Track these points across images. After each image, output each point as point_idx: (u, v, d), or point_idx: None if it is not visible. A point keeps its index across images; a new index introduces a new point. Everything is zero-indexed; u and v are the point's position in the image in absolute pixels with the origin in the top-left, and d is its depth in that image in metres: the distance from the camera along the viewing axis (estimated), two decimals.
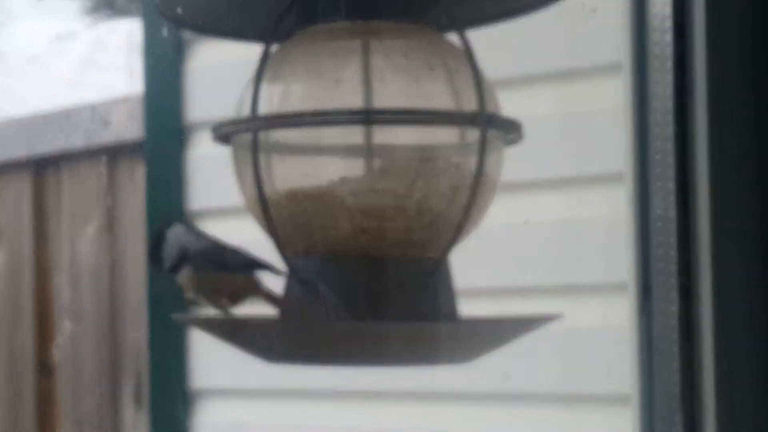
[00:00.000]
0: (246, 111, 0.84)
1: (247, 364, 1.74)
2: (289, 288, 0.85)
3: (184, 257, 0.90)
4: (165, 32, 2.06)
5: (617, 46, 1.35)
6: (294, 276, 0.83)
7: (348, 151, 0.85)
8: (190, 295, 0.91)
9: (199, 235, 0.93)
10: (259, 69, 0.84)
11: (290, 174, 0.84)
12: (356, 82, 0.83)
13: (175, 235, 0.92)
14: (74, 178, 2.78)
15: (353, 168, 0.83)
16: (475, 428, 1.72)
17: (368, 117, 0.82)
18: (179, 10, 0.88)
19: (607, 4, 1.46)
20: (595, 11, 1.44)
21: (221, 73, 1.98)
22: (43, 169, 2.85)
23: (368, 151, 0.84)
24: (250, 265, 0.92)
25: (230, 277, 0.92)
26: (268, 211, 0.82)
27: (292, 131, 0.85)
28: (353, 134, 0.84)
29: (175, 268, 0.90)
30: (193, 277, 0.90)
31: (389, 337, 0.79)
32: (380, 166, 0.83)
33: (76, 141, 2.74)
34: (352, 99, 0.83)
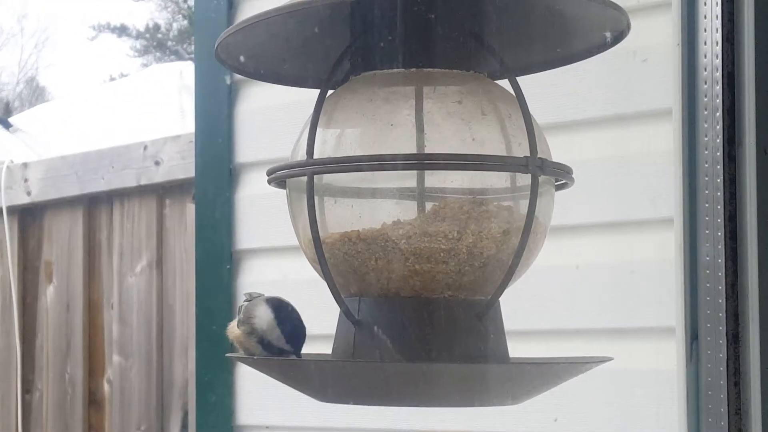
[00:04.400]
0: (301, 154, 0.86)
1: (292, 401, 1.74)
2: (341, 329, 0.86)
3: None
4: (216, 74, 2.09)
5: (668, 94, 1.36)
6: (347, 317, 0.84)
7: (401, 194, 0.86)
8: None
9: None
10: (315, 113, 0.85)
11: (344, 217, 0.85)
12: (410, 127, 0.85)
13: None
14: (125, 216, 2.82)
15: (406, 211, 0.84)
16: None
17: (422, 162, 0.84)
18: (241, 58, 0.90)
19: (657, 54, 1.47)
20: (645, 61, 1.45)
21: (271, 115, 2.01)
22: (94, 206, 2.90)
23: (421, 194, 0.85)
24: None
25: None
26: (322, 253, 0.83)
27: (346, 174, 0.86)
28: (406, 178, 0.86)
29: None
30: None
31: (442, 379, 0.80)
32: (433, 209, 0.84)
33: (128, 179, 2.78)
34: (405, 143, 0.84)
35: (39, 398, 2.95)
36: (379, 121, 0.86)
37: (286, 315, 0.91)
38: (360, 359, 0.82)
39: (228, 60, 0.92)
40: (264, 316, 0.91)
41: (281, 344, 0.89)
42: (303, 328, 0.90)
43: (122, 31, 13.27)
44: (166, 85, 4.06)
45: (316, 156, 0.85)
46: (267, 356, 0.90)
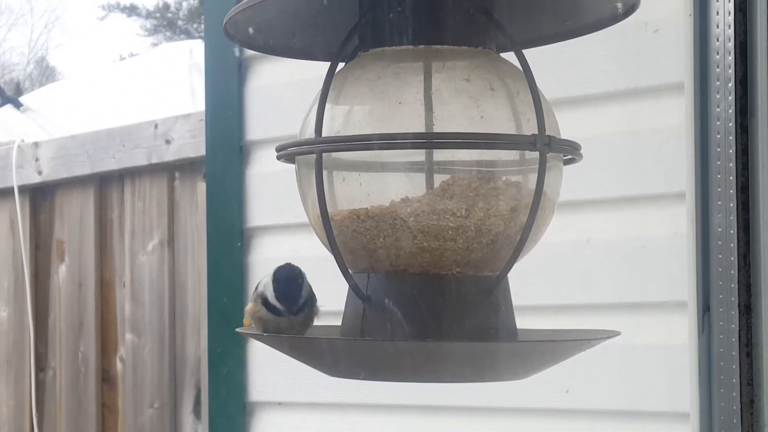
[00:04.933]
0: (310, 130, 0.86)
1: (303, 377, 1.75)
2: (350, 304, 0.86)
3: (308, 302, 0.89)
4: (226, 52, 2.09)
5: (679, 67, 1.35)
6: (356, 293, 0.84)
7: (409, 171, 0.86)
8: (270, 328, 0.90)
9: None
10: (325, 87, 0.85)
11: (353, 194, 0.85)
12: (418, 105, 0.84)
13: (306, 280, 0.91)
14: (136, 194, 2.82)
15: (414, 189, 0.84)
16: None
17: (430, 142, 0.83)
18: (250, 30, 0.90)
19: (668, 25, 1.46)
20: (657, 31, 1.44)
21: (281, 92, 2.01)
22: (106, 185, 2.91)
23: (429, 171, 0.85)
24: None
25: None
26: (331, 229, 0.83)
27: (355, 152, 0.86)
28: (414, 155, 0.85)
29: (299, 310, 0.89)
30: (300, 320, 0.90)
31: (451, 356, 0.80)
32: (441, 186, 0.84)
33: (139, 158, 2.78)
34: (413, 121, 0.84)
35: (52, 376, 2.97)
36: (387, 98, 0.85)
37: (284, 274, 0.88)
38: (369, 336, 0.82)
39: (237, 35, 0.92)
40: (266, 277, 0.90)
41: (274, 301, 0.87)
42: (298, 288, 0.88)
43: (132, 10, 13.26)
44: (176, 63, 4.05)
45: (325, 132, 0.85)
46: (274, 316, 0.88)
